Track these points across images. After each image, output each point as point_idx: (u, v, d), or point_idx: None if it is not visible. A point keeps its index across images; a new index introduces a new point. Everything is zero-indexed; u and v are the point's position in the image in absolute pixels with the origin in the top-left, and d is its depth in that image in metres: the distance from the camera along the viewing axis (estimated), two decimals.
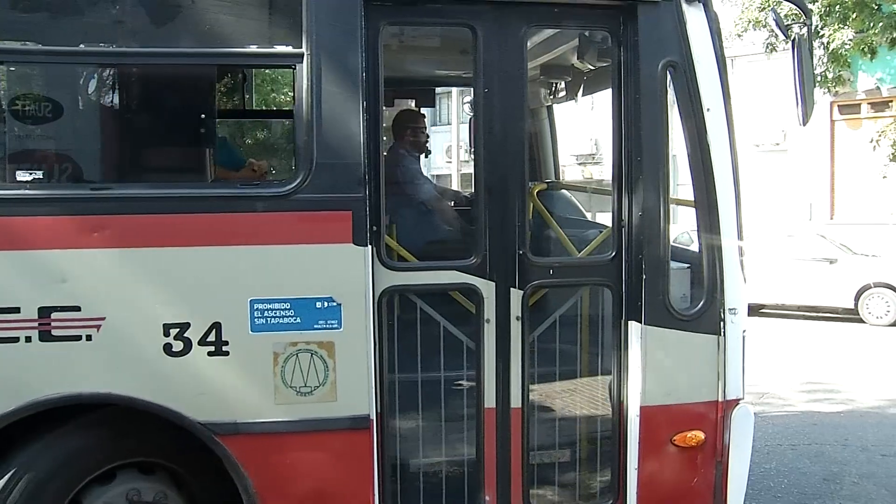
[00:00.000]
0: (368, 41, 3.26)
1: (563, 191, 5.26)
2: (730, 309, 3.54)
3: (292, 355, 3.20)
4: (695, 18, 3.47)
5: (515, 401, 3.51)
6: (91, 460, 3.23)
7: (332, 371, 3.23)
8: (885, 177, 13.35)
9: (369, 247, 3.24)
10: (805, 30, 3.55)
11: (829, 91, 13.28)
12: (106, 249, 3.09)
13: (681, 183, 3.58)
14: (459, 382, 3.61)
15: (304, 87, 3.17)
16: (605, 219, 5.12)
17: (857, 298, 12.84)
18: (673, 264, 3.58)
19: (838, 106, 15.58)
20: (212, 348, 3.14)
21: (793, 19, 12.39)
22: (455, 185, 18.45)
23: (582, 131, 16.12)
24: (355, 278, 3.23)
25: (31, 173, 3.08)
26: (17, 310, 3.02)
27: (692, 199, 3.60)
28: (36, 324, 3.03)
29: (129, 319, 3.11)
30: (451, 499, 3.58)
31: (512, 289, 3.49)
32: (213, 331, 3.14)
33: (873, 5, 12.15)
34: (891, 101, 14.96)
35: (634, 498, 3.57)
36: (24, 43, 3.22)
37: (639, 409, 3.53)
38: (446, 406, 3.62)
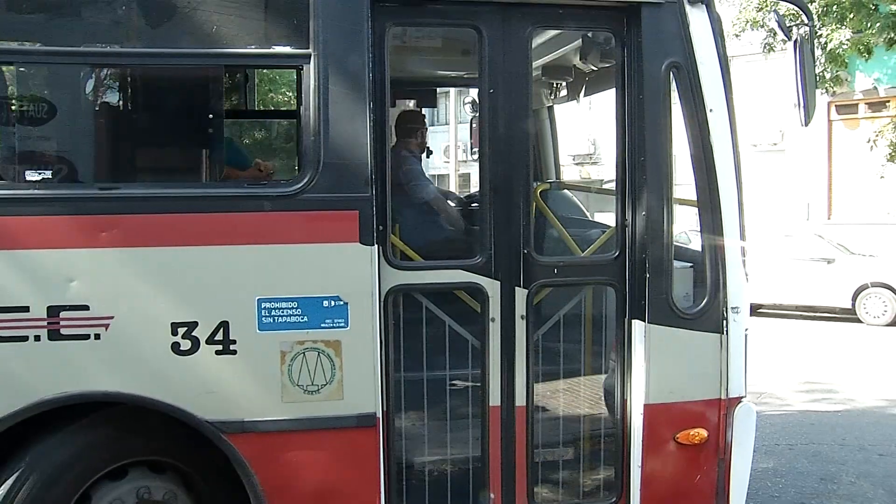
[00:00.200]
0: (374, 42, 3.30)
1: (565, 191, 5.31)
2: (732, 308, 3.59)
3: (299, 354, 3.24)
4: (698, 19, 3.52)
5: (520, 399, 3.56)
6: (100, 457, 3.25)
7: (338, 369, 3.26)
8: (882, 177, 13.43)
9: (376, 246, 3.28)
10: (804, 30, 3.60)
11: (826, 91, 13.36)
12: (114, 249, 3.12)
13: (679, 183, 3.62)
14: (465, 381, 3.65)
15: (311, 87, 3.21)
16: (605, 218, 5.19)
17: (854, 298, 12.91)
18: (675, 263, 3.63)
19: (836, 106, 15.67)
20: (219, 347, 3.17)
21: (790, 19, 12.49)
22: (453, 185, 18.51)
23: (579, 132, 16.18)
24: (362, 277, 3.26)
25: (40, 173, 3.10)
26: (26, 309, 3.05)
27: (692, 198, 3.65)
28: (45, 323, 3.06)
29: (138, 318, 3.14)
30: (457, 496, 3.62)
31: (517, 288, 3.53)
32: (221, 329, 3.17)
33: (871, 5, 12.22)
34: (888, 101, 15.04)
35: (638, 495, 3.62)
36: (33, 44, 3.25)
37: (642, 407, 3.58)
38: (451, 404, 3.67)
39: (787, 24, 3.58)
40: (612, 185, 3.80)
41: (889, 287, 12.72)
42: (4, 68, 3.08)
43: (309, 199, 3.21)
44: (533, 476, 3.62)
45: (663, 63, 3.50)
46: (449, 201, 5.38)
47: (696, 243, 3.79)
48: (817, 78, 12.51)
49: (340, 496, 3.36)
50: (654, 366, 3.56)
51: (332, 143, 3.21)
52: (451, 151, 19.75)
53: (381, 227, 3.32)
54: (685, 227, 6.55)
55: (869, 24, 12.27)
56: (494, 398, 3.54)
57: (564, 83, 5.33)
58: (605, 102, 5.05)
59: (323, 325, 3.24)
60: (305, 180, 3.22)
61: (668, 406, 3.60)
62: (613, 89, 4.22)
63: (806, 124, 3.61)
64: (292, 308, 3.22)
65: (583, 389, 4.01)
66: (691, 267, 3.76)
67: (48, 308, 3.06)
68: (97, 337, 3.09)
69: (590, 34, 4.05)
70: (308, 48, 3.21)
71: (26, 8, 3.30)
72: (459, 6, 3.50)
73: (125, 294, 3.13)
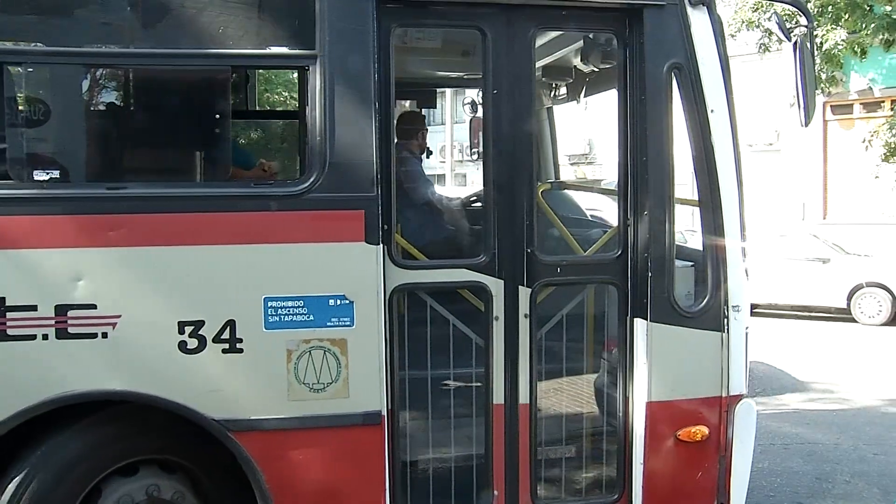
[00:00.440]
0: (379, 43, 3.33)
1: (565, 190, 5.36)
2: (733, 306, 3.64)
3: (305, 352, 3.27)
4: (699, 21, 3.57)
5: (524, 397, 3.61)
6: (107, 455, 3.28)
7: (344, 368, 3.30)
8: (877, 177, 13.52)
9: (381, 245, 3.32)
10: (803, 31, 3.66)
11: (822, 91, 13.44)
12: (121, 248, 3.16)
13: (679, 183, 3.68)
14: (468, 379, 3.69)
15: (317, 87, 3.25)
16: (604, 217, 5.25)
17: (849, 298, 12.99)
18: (677, 262, 3.68)
19: (831, 106, 15.76)
20: (226, 345, 3.21)
21: (787, 20, 12.56)
22: (449, 185, 18.53)
23: (574, 132, 16.24)
24: (367, 276, 3.30)
25: (47, 173, 3.12)
26: (34, 307, 3.07)
27: (693, 198, 3.71)
28: (52, 322, 3.09)
29: (145, 317, 3.17)
30: (460, 493, 3.66)
31: (520, 287, 3.58)
32: (228, 328, 3.20)
33: (865, 6, 12.31)
34: (883, 102, 15.13)
35: (640, 492, 3.67)
36: (42, 45, 3.28)
37: (644, 405, 3.63)
38: (455, 402, 3.71)
39: (787, 26, 3.63)
40: (610, 185, 3.85)
41: (884, 287, 12.81)
42: (12, 69, 3.09)
43: (315, 199, 3.25)
44: (536, 473, 3.67)
45: (665, 64, 3.55)
46: (449, 201, 5.42)
47: (693, 242, 3.84)
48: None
49: (346, 493, 3.40)
50: (655, 364, 3.61)
51: (338, 144, 3.25)
52: (447, 151, 19.81)
53: (385, 227, 3.36)
54: (682, 227, 6.62)
55: (864, 25, 12.35)
56: (498, 396, 3.59)
57: (564, 84, 5.38)
58: (600, 103, 5.14)
59: (329, 323, 3.28)
60: (311, 180, 3.25)
61: (670, 404, 3.65)
62: (613, 90, 4.29)
63: (806, 125, 3.68)
64: (298, 307, 3.26)
65: (585, 388, 4.07)
66: (692, 266, 3.82)
67: (56, 307, 3.09)
68: (104, 336, 3.12)
69: (591, 35, 4.09)
70: (314, 49, 3.25)
71: (31, 9, 3.33)
72: (463, 7, 3.55)
73: (132, 293, 3.16)
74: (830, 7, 12.47)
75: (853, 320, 12.92)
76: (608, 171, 16.40)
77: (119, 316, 3.13)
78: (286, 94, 13.73)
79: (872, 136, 12.84)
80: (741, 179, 3.65)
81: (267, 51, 3.51)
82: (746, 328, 3.71)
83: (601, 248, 3.95)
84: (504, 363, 3.59)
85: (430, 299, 3.60)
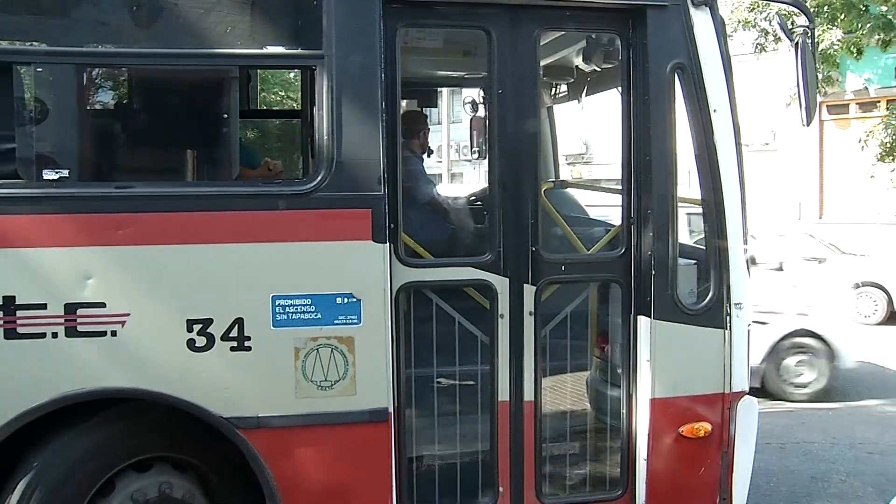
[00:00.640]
0: (386, 43, 3.38)
1: (567, 190, 5.41)
2: (735, 304, 3.70)
3: (313, 350, 3.32)
4: (702, 22, 3.63)
5: (528, 394, 3.66)
6: (117, 453, 3.32)
7: (351, 365, 3.35)
8: (872, 176, 13.60)
9: (387, 244, 3.37)
10: (804, 31, 3.72)
11: (818, 91, 13.53)
12: (130, 247, 3.19)
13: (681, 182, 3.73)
14: (474, 376, 3.74)
15: (325, 87, 3.29)
16: (605, 216, 5.30)
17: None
18: (679, 260, 3.74)
19: (827, 106, 15.84)
20: (234, 343, 3.25)
21: (785, 18, 12.63)
22: (445, 185, 18.57)
23: (571, 131, 16.28)
24: (374, 274, 3.35)
25: (57, 172, 3.16)
26: (43, 306, 3.11)
27: (695, 196, 3.77)
28: (62, 320, 3.12)
29: (154, 315, 3.21)
30: (466, 489, 3.71)
31: (525, 285, 3.63)
32: (236, 326, 3.24)
33: (861, 6, 12.39)
34: (878, 102, 15.22)
35: (643, 488, 3.73)
36: (49, 45, 3.31)
37: (648, 402, 3.68)
38: (461, 399, 3.76)
39: (789, 27, 3.69)
40: (611, 184, 3.90)
41: (880, 286, 12.90)
42: (20, 69, 3.12)
43: (322, 198, 3.30)
44: (540, 470, 3.72)
45: (668, 64, 3.61)
46: (450, 200, 5.47)
47: (695, 240, 3.90)
48: None
49: (353, 490, 3.45)
50: (659, 361, 3.67)
51: (346, 143, 3.30)
52: (443, 151, 19.86)
53: (392, 225, 3.40)
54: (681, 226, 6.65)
55: (859, 25, 12.44)
56: (503, 393, 3.64)
57: (564, 83, 5.43)
58: (596, 103, 5.20)
59: (336, 321, 3.33)
60: (319, 179, 3.30)
61: (673, 400, 3.71)
62: (614, 89, 4.35)
63: (807, 124, 3.74)
64: (306, 305, 3.30)
65: (589, 384, 4.12)
66: (695, 264, 3.87)
67: (65, 305, 3.12)
68: (114, 334, 3.16)
69: (593, 35, 4.15)
70: (321, 49, 3.29)
71: (39, 9, 3.36)
72: (468, 8, 3.60)
73: (141, 292, 3.20)
74: (826, 7, 12.55)
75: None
76: (604, 170, 16.48)
77: (128, 314, 3.17)
78: (283, 93, 13.74)
79: (868, 135, 12.92)
80: (743, 178, 3.71)
81: (275, 51, 3.56)
82: (748, 325, 3.77)
83: (604, 246, 4.01)
84: (509, 360, 3.63)
85: (435, 297, 3.65)
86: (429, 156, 5.54)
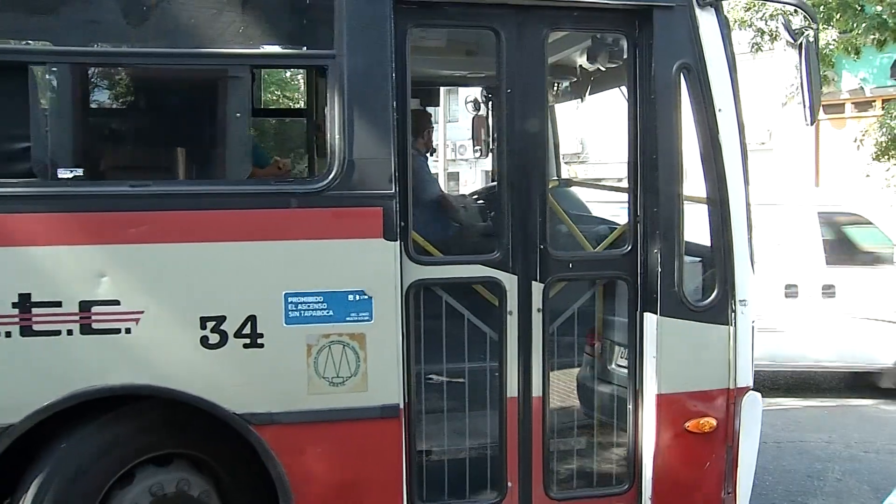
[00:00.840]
0: (396, 42, 3.44)
1: (570, 188, 5.49)
2: (740, 300, 3.78)
3: (325, 347, 3.37)
4: (707, 22, 3.70)
5: (536, 390, 3.72)
6: (128, 450, 3.36)
7: (363, 362, 3.40)
8: (868, 175, 13.69)
9: (398, 241, 3.43)
10: (807, 32, 3.79)
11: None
12: (144, 245, 3.24)
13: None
14: (483, 372, 3.80)
15: (336, 87, 3.35)
16: (607, 215, 5.37)
17: None
18: (685, 258, 3.81)
19: (823, 105, 15.88)
20: (247, 340, 3.30)
21: (777, 19, 12.72)
22: (442, 184, 18.64)
23: (567, 131, 16.33)
24: (386, 272, 3.41)
25: (71, 171, 3.20)
26: (59, 304, 3.16)
27: (699, 194, 3.83)
28: (77, 317, 3.17)
29: (167, 313, 3.26)
30: (475, 484, 3.77)
31: (533, 282, 3.69)
32: (249, 323, 3.30)
33: (856, 6, 12.48)
34: (874, 101, 15.30)
35: (650, 482, 3.80)
36: (65, 45, 3.35)
37: (654, 397, 3.76)
38: (470, 395, 3.82)
39: (796, 29, 3.76)
40: (614, 183, 3.96)
41: None
42: (35, 68, 3.17)
43: (335, 196, 3.35)
44: (548, 465, 3.78)
45: (674, 64, 3.68)
46: (454, 199, 5.53)
47: (700, 238, 3.97)
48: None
49: (364, 485, 3.50)
50: (665, 357, 3.74)
51: (357, 142, 3.35)
52: (440, 150, 19.91)
53: (402, 223, 3.46)
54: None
55: (855, 25, 12.53)
56: (512, 389, 3.71)
57: (567, 82, 5.50)
58: (593, 102, 5.28)
59: (348, 318, 3.38)
60: (331, 177, 3.35)
61: (679, 395, 3.78)
62: (616, 88, 4.43)
63: (811, 124, 3.81)
64: (318, 302, 3.36)
65: (596, 380, 4.19)
66: (700, 261, 3.95)
67: (80, 303, 3.17)
68: (128, 331, 3.21)
69: (598, 35, 4.21)
70: (332, 49, 3.34)
71: (54, 10, 3.41)
72: (478, 8, 3.65)
73: (155, 289, 3.25)
74: (822, 7, 12.64)
75: None
76: (600, 169, 16.57)
77: (142, 312, 3.22)
78: (279, 92, 13.80)
79: (864, 135, 13.00)
80: (748, 177, 3.78)
81: (287, 50, 3.61)
82: (752, 322, 3.84)
83: (611, 244, 4.08)
84: (517, 357, 3.70)
85: (445, 294, 3.71)
86: (431, 154, 5.60)
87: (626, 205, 3.90)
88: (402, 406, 3.47)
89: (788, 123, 14.51)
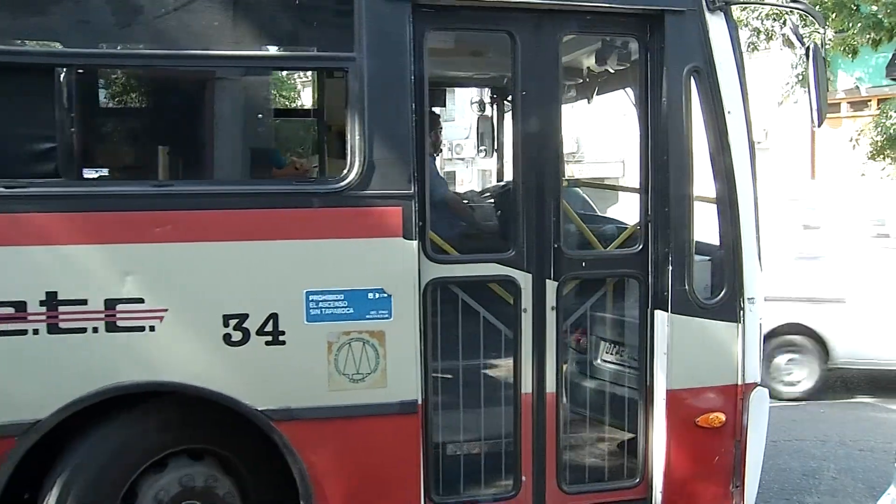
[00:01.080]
0: (415, 45, 3.54)
1: (577, 188, 5.61)
2: (748, 298, 3.91)
3: (345, 344, 3.48)
4: (717, 26, 3.83)
5: (550, 386, 3.84)
6: (151, 445, 3.47)
7: (382, 358, 3.51)
8: (863, 175, 13.87)
9: (416, 240, 3.53)
10: (811, 37, 3.93)
11: (809, 90, 13.75)
12: (168, 244, 3.34)
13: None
14: (498, 369, 3.92)
15: (356, 89, 3.45)
16: (614, 214, 5.50)
17: None
18: (695, 256, 3.94)
19: (808, 102, 16.05)
20: (269, 338, 3.40)
21: (774, 18, 12.88)
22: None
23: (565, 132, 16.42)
24: (405, 270, 3.52)
25: (97, 171, 3.30)
26: (84, 301, 3.25)
27: (709, 194, 3.96)
28: (102, 315, 3.26)
29: (191, 311, 3.36)
30: (490, 478, 3.90)
31: (548, 280, 3.81)
32: (271, 321, 3.39)
33: (852, 6, 12.64)
34: (869, 101, 15.51)
35: (660, 476, 3.93)
36: (98, 47, 3.43)
37: (665, 393, 3.88)
38: (486, 391, 3.94)
39: (802, 34, 3.88)
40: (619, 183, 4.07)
41: None
42: (61, 70, 3.25)
43: (356, 196, 3.46)
44: (561, 459, 3.90)
45: (685, 67, 3.80)
46: (463, 198, 5.64)
47: (708, 237, 4.10)
48: (800, 77, 12.95)
49: (383, 479, 3.61)
50: (675, 353, 3.87)
51: (377, 143, 3.46)
52: None
53: (420, 223, 3.57)
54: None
55: (850, 24, 12.69)
56: (526, 385, 3.82)
57: (573, 84, 5.62)
58: (591, 103, 5.40)
59: (368, 316, 3.49)
60: (352, 178, 3.46)
61: (689, 391, 3.90)
62: (621, 90, 4.55)
63: (819, 126, 3.94)
64: (339, 300, 3.46)
65: (608, 376, 4.31)
66: (709, 260, 4.07)
67: (105, 301, 3.26)
68: (152, 329, 3.30)
69: (607, 38, 4.34)
70: (353, 52, 3.45)
71: (81, 12, 3.50)
72: (494, 12, 3.76)
73: (179, 287, 3.35)
74: (818, 7, 12.80)
75: None
76: (598, 169, 16.71)
77: (166, 310, 3.31)
78: (274, 92, 13.88)
79: (859, 134, 13.17)
80: (756, 177, 3.91)
81: (308, 53, 3.71)
82: (760, 319, 3.97)
83: (622, 243, 4.20)
84: (532, 354, 3.81)
85: (461, 292, 3.82)
86: (438, 154, 5.71)
87: (637, 204, 4.02)
88: (420, 402, 3.58)
89: (785, 123, 14.70)
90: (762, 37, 13.38)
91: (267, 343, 3.40)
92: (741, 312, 3.90)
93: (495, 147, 6.16)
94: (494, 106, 6.15)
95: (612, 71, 4.61)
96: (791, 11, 4.56)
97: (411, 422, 3.57)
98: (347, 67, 3.47)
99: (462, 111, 8.77)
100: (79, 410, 3.28)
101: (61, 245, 3.25)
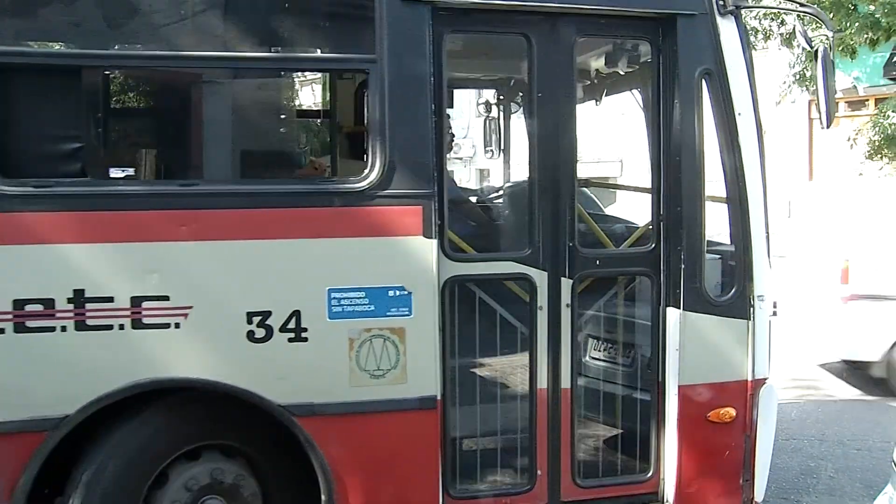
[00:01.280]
0: (434, 48, 3.66)
1: (584, 188, 5.74)
2: (758, 295, 4.05)
3: (366, 340, 3.59)
4: (727, 29, 3.97)
5: (565, 382, 3.97)
6: (176, 439, 3.57)
7: (402, 355, 3.62)
8: (861, 174, 14.04)
9: (436, 239, 3.65)
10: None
11: (807, 89, 13.93)
12: (193, 242, 3.44)
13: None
14: (514, 365, 4.04)
15: (377, 90, 3.57)
16: (622, 214, 5.63)
17: None
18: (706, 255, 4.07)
19: (817, 105, 16.22)
20: (292, 335, 3.50)
21: (771, 18, 13.04)
22: None
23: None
24: (425, 268, 3.63)
25: (123, 171, 3.39)
26: (111, 299, 3.35)
27: (719, 194, 4.10)
28: (128, 312, 3.36)
29: (215, 308, 3.46)
30: (505, 472, 4.02)
31: (563, 278, 3.94)
32: (293, 318, 3.50)
33: (849, 5, 12.79)
34: (867, 100, 15.70)
35: (672, 470, 4.06)
36: (123, 48, 3.54)
37: (677, 388, 4.01)
38: (502, 386, 4.06)
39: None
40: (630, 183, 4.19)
41: None
42: (89, 71, 3.35)
43: (377, 196, 3.57)
44: (576, 453, 4.02)
45: (696, 70, 3.93)
46: (470, 198, 5.78)
47: (718, 237, 4.24)
48: (798, 76, 13.12)
49: (402, 473, 3.73)
50: (687, 350, 4.00)
51: (399, 143, 3.57)
52: None
53: (439, 222, 3.69)
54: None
55: (848, 24, 12.83)
56: (541, 381, 3.95)
57: (582, 85, 5.74)
58: (599, 105, 5.52)
59: (388, 313, 3.60)
60: (373, 177, 3.57)
61: (701, 387, 4.04)
62: (629, 91, 4.68)
63: (827, 127, 4.08)
64: (360, 297, 3.57)
65: (621, 372, 4.45)
66: (719, 258, 4.21)
67: (131, 298, 3.37)
68: (177, 326, 3.40)
69: (618, 40, 4.46)
70: (374, 54, 3.56)
71: (116, 16, 3.60)
72: (512, 15, 3.87)
73: (203, 285, 3.46)
74: (815, 6, 12.93)
75: None
76: (597, 169, 16.84)
77: (190, 307, 3.42)
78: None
79: (857, 134, 13.31)
80: (766, 177, 4.05)
81: (330, 55, 3.82)
82: (770, 316, 4.11)
83: (635, 241, 4.33)
84: (547, 350, 3.94)
85: (478, 290, 3.94)
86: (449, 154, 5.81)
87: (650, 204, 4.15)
88: (439, 397, 3.69)
89: (782, 122, 14.86)
90: (760, 36, 13.53)
91: (290, 340, 3.50)
92: (751, 309, 4.03)
93: (501, 148, 6.29)
94: (500, 107, 6.28)
95: (622, 73, 4.74)
96: (800, 15, 4.68)
97: (430, 417, 3.68)
98: (369, 69, 3.58)
99: (459, 111, 8.87)
100: (104, 406, 3.37)
101: (88, 243, 3.35)
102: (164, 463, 3.56)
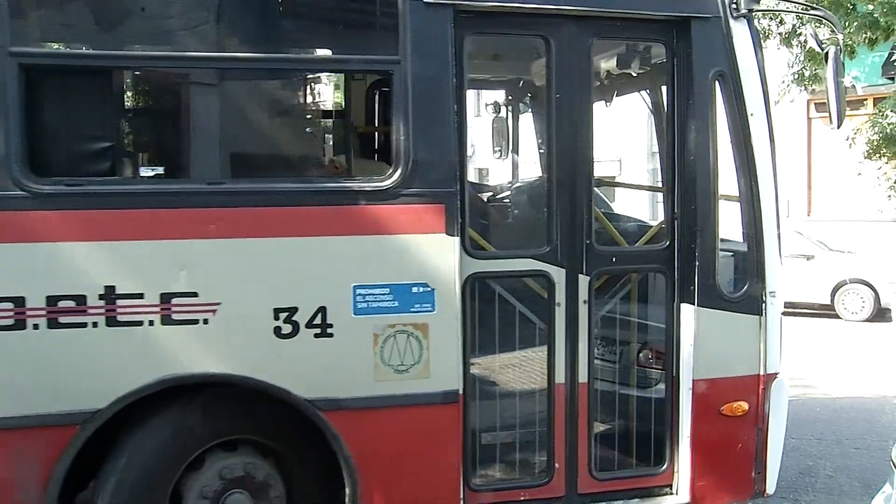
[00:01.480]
0: (456, 49, 3.79)
1: (597, 188, 5.88)
2: (770, 292, 4.20)
3: (391, 336, 3.72)
4: (740, 32, 4.12)
5: (582, 376, 4.11)
6: (204, 432, 3.69)
7: (425, 350, 3.75)
8: (860, 174, 14.20)
9: (457, 237, 3.79)
10: (834, 41, 4.22)
11: (805, 89, 14.10)
12: (221, 240, 3.56)
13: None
14: (532, 360, 4.18)
15: (400, 91, 3.70)
16: (633, 213, 5.77)
17: (833, 294, 13.75)
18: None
19: (815, 104, 16.43)
20: (318, 330, 3.63)
21: (770, 17, 13.19)
22: None
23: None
24: (447, 266, 3.77)
25: (153, 170, 3.51)
26: (140, 296, 3.47)
27: (732, 193, 4.24)
28: (158, 309, 3.48)
29: (242, 304, 3.58)
30: (524, 465, 4.16)
31: (580, 275, 4.08)
32: (319, 314, 3.63)
33: (848, 5, 12.96)
34: (866, 100, 15.87)
35: (686, 463, 4.20)
36: (145, 49, 3.66)
37: (691, 383, 4.16)
38: (521, 381, 4.19)
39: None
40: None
41: (867, 283, 13.56)
42: (120, 71, 3.47)
43: (401, 194, 3.70)
44: (593, 447, 4.17)
45: (710, 71, 4.08)
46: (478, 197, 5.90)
47: (729, 234, 4.39)
48: (796, 76, 13.29)
49: (424, 466, 3.86)
50: (701, 345, 4.14)
51: (421, 142, 3.70)
52: None
53: (461, 220, 3.82)
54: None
55: (847, 24, 13.00)
56: (559, 376, 4.08)
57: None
58: (609, 106, 5.65)
59: (412, 309, 3.73)
60: (397, 176, 3.70)
61: (714, 381, 4.18)
62: (638, 92, 4.82)
63: (838, 128, 4.23)
64: (385, 294, 3.70)
65: (636, 367, 4.59)
66: (732, 255, 4.36)
67: (161, 295, 3.48)
68: (205, 322, 3.52)
69: (634, 43, 4.61)
70: (397, 55, 3.69)
71: (140, 18, 3.72)
72: (532, 17, 4.00)
73: (231, 282, 3.57)
74: (824, 9, 13.06)
75: (837, 316, 13.64)
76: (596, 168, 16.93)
77: (218, 304, 3.53)
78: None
79: (856, 133, 13.49)
80: (777, 177, 4.20)
81: (355, 56, 3.95)
82: (781, 311, 4.26)
83: (650, 239, 4.48)
84: (565, 345, 4.08)
85: (497, 287, 4.08)
86: None
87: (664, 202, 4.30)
88: (460, 392, 3.82)
89: (781, 121, 15.02)
90: (760, 36, 13.69)
91: (316, 335, 3.62)
92: (763, 305, 4.18)
93: (510, 148, 6.42)
94: (509, 108, 6.41)
95: (634, 74, 4.88)
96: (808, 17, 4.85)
97: (452, 411, 3.81)
98: (392, 70, 3.71)
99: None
100: (134, 401, 3.49)
101: (119, 241, 3.47)
102: (202, 448, 3.67)
